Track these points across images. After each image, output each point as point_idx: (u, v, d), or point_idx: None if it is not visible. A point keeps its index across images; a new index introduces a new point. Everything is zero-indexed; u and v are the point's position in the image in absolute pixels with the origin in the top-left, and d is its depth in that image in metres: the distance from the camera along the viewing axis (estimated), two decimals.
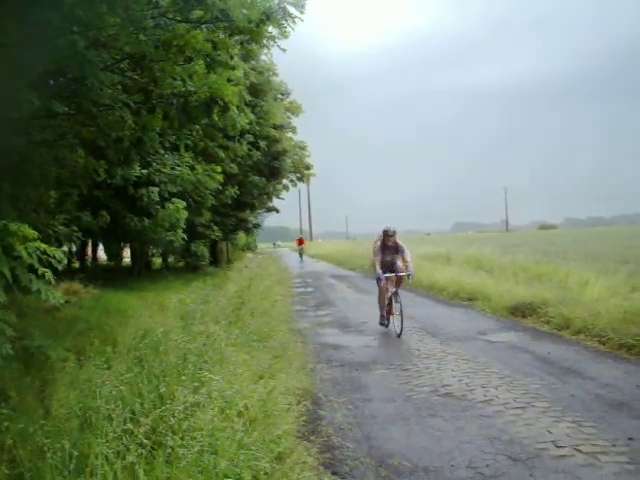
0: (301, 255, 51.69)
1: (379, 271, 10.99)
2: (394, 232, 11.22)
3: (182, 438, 4.04)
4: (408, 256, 11.16)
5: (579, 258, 17.05)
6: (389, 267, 11.36)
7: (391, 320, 11.46)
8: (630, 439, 5.33)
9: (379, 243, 11.29)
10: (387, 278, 11.27)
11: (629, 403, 6.39)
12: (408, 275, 10.97)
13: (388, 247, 11.22)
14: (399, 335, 10.73)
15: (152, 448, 3.96)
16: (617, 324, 9.34)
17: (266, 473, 3.95)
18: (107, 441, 3.87)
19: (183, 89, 8.95)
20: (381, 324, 11.76)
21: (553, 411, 6.20)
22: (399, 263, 11.44)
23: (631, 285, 12.11)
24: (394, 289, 11.22)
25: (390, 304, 11.37)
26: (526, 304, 12.32)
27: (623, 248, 27.07)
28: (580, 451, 5.11)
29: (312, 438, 5.37)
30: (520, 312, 12.32)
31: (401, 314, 10.77)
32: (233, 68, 10.32)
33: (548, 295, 12.22)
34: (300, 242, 55.04)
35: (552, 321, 10.96)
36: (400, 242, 11.28)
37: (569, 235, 61.72)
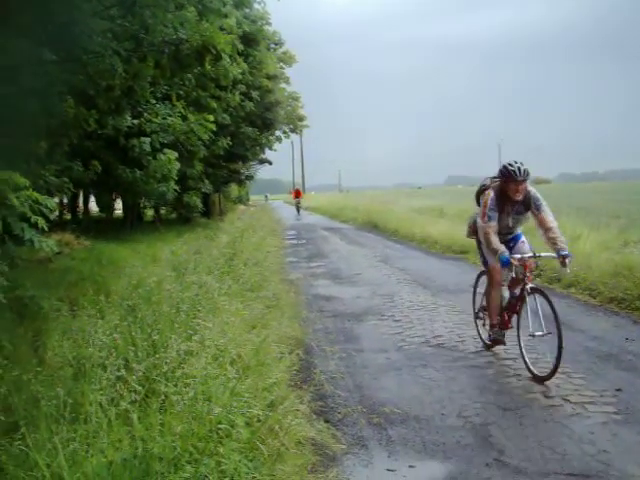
0: (298, 209, 46.76)
1: (500, 247, 6.05)
2: (527, 174, 6.01)
3: (175, 385, 4.07)
4: (552, 218, 6.18)
5: (572, 212, 17.04)
6: (507, 238, 6.57)
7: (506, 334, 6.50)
8: (618, 390, 5.41)
9: (493, 194, 6.25)
10: (519, 261, 6.02)
11: (618, 355, 6.47)
12: (563, 257, 5.83)
13: (511, 202, 6.23)
14: (546, 379, 5.63)
15: (146, 395, 3.99)
16: (608, 278, 9.38)
17: (259, 420, 3.98)
18: (101, 389, 3.90)
19: (175, 37, 8.78)
20: (491, 341, 6.66)
21: (543, 362, 6.27)
22: (523, 238, 6.72)
23: (623, 239, 12.15)
24: (530, 284, 6.04)
25: (515, 308, 6.32)
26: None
27: (616, 203, 27.13)
28: (569, 401, 5.19)
29: (304, 387, 5.42)
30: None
31: (559, 337, 5.48)
32: (225, 16, 10.15)
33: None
34: (297, 194, 49.97)
35: (543, 274, 11.00)
36: (535, 192, 6.26)
37: (562, 190, 61.75)
